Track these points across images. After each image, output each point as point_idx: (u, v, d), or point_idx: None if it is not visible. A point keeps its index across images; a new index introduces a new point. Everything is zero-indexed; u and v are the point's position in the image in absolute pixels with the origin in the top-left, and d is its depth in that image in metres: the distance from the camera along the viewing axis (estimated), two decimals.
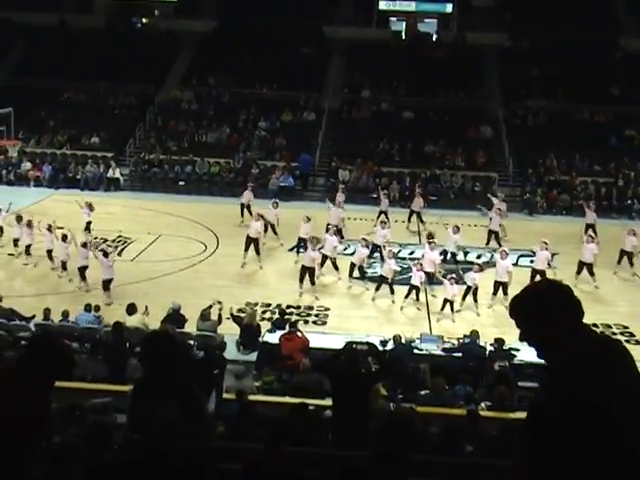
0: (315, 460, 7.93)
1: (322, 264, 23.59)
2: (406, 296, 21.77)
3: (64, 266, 22.67)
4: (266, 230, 26.71)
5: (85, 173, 36.29)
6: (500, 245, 26.13)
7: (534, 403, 3.68)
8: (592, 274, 23.77)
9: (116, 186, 35.97)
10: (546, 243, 23.02)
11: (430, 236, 24.72)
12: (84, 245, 22.34)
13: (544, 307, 3.55)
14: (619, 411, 3.31)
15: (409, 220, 30.35)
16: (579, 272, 23.72)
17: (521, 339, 3.62)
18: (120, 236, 27.44)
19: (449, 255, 25.41)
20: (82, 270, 21.93)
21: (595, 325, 20.67)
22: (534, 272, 22.78)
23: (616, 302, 23.21)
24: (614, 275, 25.10)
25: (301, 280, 22.43)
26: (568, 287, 3.70)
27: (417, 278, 21.70)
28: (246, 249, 24.68)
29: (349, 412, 9.76)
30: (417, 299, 21.90)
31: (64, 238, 22.81)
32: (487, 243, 27.36)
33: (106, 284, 21.20)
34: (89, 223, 26.69)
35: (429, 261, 22.75)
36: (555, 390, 3.46)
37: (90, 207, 26.95)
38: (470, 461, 9.37)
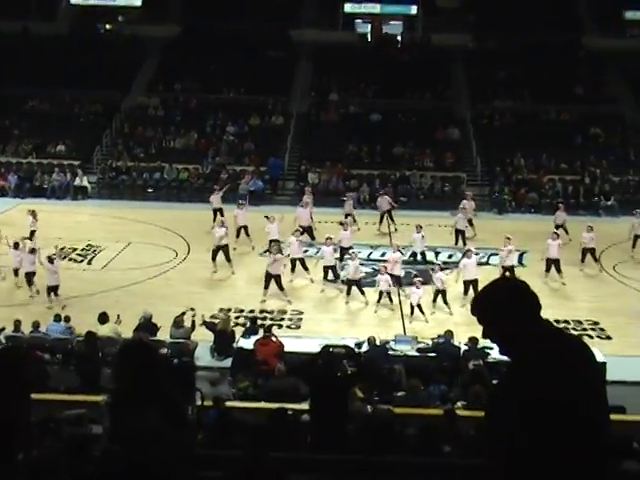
0: (295, 464, 7.90)
1: (292, 269, 23.58)
2: (377, 301, 21.80)
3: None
4: (238, 235, 26.65)
5: (52, 182, 35.92)
6: (465, 244, 26.30)
7: (492, 398, 3.72)
8: (559, 271, 23.97)
9: (83, 194, 35.64)
10: (509, 239, 23.15)
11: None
12: (32, 251, 22.20)
13: (501, 303, 3.63)
14: (580, 405, 3.37)
15: (380, 222, 30.34)
16: (548, 270, 23.93)
17: (484, 336, 3.70)
18: (89, 245, 27.23)
19: (419, 256, 25.53)
20: (29, 276, 21.85)
21: (566, 322, 20.91)
22: (504, 269, 22.92)
23: (585, 298, 23.44)
24: (580, 272, 25.28)
25: (266, 287, 22.28)
26: (524, 282, 3.77)
27: (383, 282, 21.73)
28: (213, 258, 24.52)
29: (327, 415, 9.73)
30: (390, 301, 21.91)
31: (32, 251, 22.56)
32: (456, 243, 27.43)
33: (50, 290, 21.10)
34: (33, 232, 26.21)
35: (394, 263, 22.83)
36: (513, 385, 3.52)
37: (34, 215, 26.67)
38: (449, 461, 9.36)
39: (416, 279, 21.81)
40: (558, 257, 23.88)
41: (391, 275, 22.21)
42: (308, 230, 26.96)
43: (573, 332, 20.03)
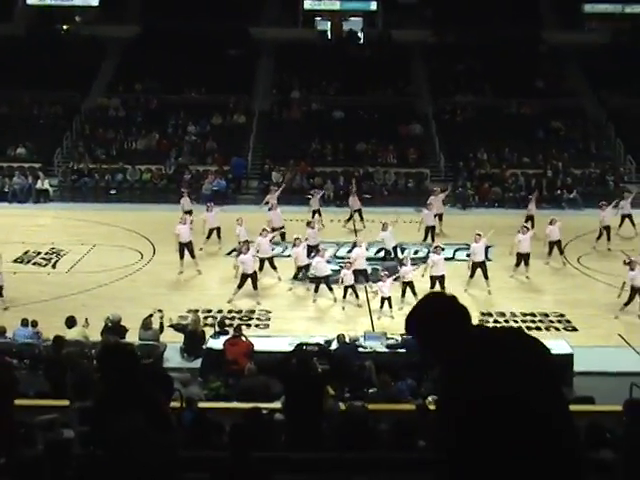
0: (271, 464, 7.88)
1: (261, 268, 23.52)
2: (343, 297, 21.83)
3: None
4: (209, 237, 26.53)
5: (12, 185, 35.51)
6: (434, 240, 26.41)
7: (436, 404, 3.79)
8: (527, 264, 24.11)
9: (45, 197, 35.24)
10: (479, 235, 23.26)
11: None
12: None
13: (430, 319, 3.70)
14: (521, 400, 3.38)
15: (348, 220, 30.33)
16: (518, 264, 24.04)
17: (420, 351, 3.78)
18: (53, 248, 26.95)
19: (391, 253, 25.60)
20: None
21: (533, 314, 21.09)
22: (474, 265, 23.01)
23: (551, 291, 23.65)
24: (546, 265, 25.46)
25: (239, 286, 22.16)
26: (451, 296, 3.83)
27: (348, 278, 21.75)
28: (181, 256, 24.43)
29: (303, 414, 9.71)
30: (356, 297, 21.91)
31: None
32: (424, 239, 27.48)
33: None
34: None
35: (358, 258, 22.83)
36: (447, 391, 3.61)
37: None
38: (424, 456, 9.37)
39: (382, 273, 21.85)
40: (529, 251, 23.97)
41: (356, 270, 22.22)
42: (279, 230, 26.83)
43: (540, 325, 20.29)
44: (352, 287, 21.77)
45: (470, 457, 3.38)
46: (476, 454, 3.36)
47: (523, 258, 23.97)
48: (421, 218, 27.89)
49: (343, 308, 21.65)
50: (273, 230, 25.55)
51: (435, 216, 28.30)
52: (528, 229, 24.69)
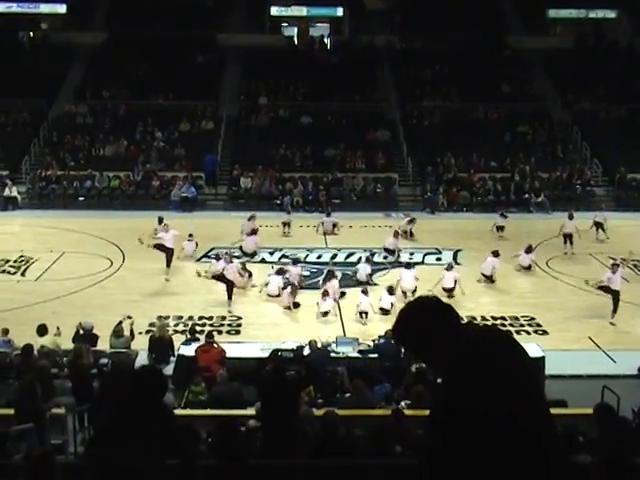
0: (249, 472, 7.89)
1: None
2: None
3: None
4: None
5: None
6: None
7: (430, 411, 3.73)
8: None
9: (14, 205, 34.97)
10: (617, 265, 22.23)
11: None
12: None
13: (416, 323, 3.62)
14: (514, 408, 3.35)
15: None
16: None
17: (410, 358, 3.77)
18: (22, 256, 26.73)
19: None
20: None
21: (503, 318, 21.21)
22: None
23: (521, 294, 23.77)
24: (514, 269, 25.66)
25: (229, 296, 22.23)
26: (434, 297, 3.74)
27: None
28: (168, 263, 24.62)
29: (279, 421, 9.73)
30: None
31: None
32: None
33: None
34: None
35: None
36: (440, 396, 3.55)
37: None
38: (402, 462, 9.42)
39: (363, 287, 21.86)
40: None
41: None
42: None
43: (510, 328, 20.39)
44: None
45: (453, 461, 3.38)
46: (459, 459, 3.35)
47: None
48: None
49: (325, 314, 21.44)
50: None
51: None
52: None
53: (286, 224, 30.07)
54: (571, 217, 27.82)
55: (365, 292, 21.33)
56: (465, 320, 3.64)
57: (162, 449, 5.04)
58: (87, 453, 5.72)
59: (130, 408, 5.44)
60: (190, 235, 26.62)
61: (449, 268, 22.88)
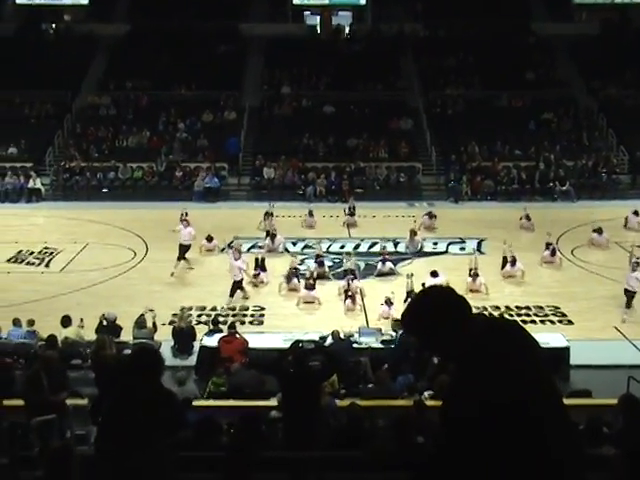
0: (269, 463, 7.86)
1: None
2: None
3: None
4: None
5: (5, 185, 35.45)
6: None
7: (442, 404, 3.68)
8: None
9: (38, 197, 35.15)
10: None
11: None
12: None
13: (427, 314, 3.57)
14: (527, 401, 3.35)
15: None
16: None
17: (422, 349, 3.75)
18: (46, 247, 26.86)
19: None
20: None
21: (528, 308, 21.03)
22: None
23: (546, 283, 23.56)
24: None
25: (242, 290, 22.18)
26: (447, 287, 3.75)
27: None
28: (179, 258, 24.46)
29: (301, 412, 9.68)
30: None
31: None
32: None
33: None
34: None
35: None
36: (456, 389, 3.55)
37: None
38: (423, 452, 9.35)
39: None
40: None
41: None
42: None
43: (535, 318, 20.25)
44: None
45: (460, 454, 3.38)
46: (467, 452, 3.36)
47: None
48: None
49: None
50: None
51: None
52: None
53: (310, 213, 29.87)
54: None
55: (388, 302, 20.17)
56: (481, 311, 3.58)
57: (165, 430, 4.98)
58: (95, 448, 5.66)
59: (129, 391, 5.41)
60: (210, 237, 26.34)
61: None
